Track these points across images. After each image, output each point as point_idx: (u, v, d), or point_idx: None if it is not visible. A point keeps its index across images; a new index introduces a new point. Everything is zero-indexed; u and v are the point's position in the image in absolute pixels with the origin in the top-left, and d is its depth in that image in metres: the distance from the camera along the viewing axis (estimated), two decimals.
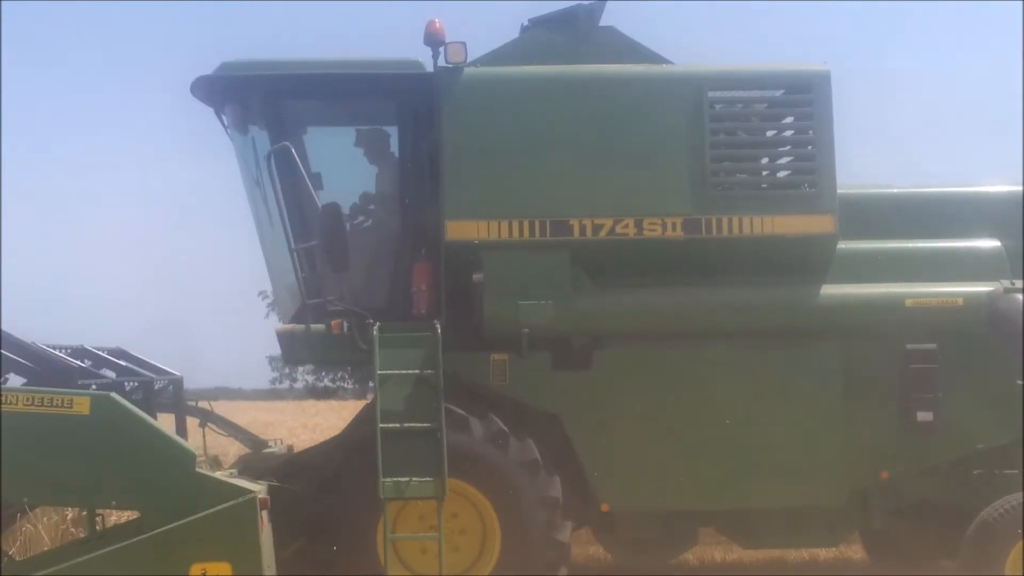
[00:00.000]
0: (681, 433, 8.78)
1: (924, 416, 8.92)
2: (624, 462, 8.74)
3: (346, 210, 9.34)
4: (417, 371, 8.30)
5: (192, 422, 10.95)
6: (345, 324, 8.69)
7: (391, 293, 9.15)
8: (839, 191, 9.08)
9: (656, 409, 8.79)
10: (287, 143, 8.91)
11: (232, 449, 12.73)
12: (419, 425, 8.15)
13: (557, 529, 8.39)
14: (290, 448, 11.01)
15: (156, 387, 10.52)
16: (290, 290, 9.29)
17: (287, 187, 9.05)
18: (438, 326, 8.42)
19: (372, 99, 9.38)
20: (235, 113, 9.42)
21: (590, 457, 8.75)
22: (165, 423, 10.60)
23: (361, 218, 9.58)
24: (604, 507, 8.81)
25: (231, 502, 7.61)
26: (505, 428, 8.39)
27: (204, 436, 11.16)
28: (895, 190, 9.71)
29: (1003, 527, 8.70)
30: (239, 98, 9.28)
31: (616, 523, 9.16)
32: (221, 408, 11.53)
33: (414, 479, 8.08)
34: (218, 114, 9.54)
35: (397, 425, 8.16)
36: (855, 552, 11.36)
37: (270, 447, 11.10)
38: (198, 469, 7.78)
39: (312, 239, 8.92)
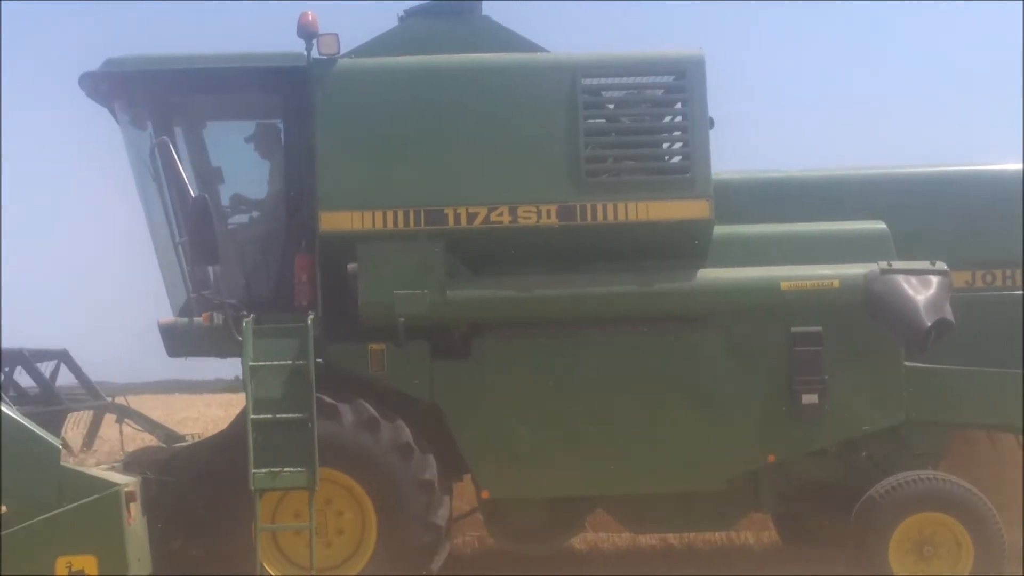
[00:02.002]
0: (561, 420, 8.80)
1: (809, 399, 8.91)
2: (504, 449, 8.77)
3: (230, 204, 9.41)
4: (289, 362, 8.33)
5: (110, 418, 11.02)
6: (220, 317, 8.72)
7: (278, 285, 9.18)
8: (725, 176, 9.14)
9: (536, 396, 8.80)
10: (165, 138, 8.98)
11: None
12: (291, 416, 8.19)
13: (433, 512, 8.42)
14: None
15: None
16: (178, 283, 9.33)
17: (170, 181, 9.09)
18: (310, 317, 8.45)
19: (257, 93, 9.39)
20: (121, 109, 9.45)
21: (469, 445, 8.78)
22: (83, 420, 10.77)
23: (253, 212, 9.61)
24: (485, 494, 8.85)
25: (95, 495, 7.69)
26: (375, 414, 8.40)
27: (121, 432, 11.23)
28: (779, 174, 9.75)
29: (888, 505, 8.70)
30: (124, 94, 9.31)
31: (502, 510, 9.18)
32: None
33: (286, 469, 8.13)
34: (110, 110, 9.58)
35: (269, 416, 8.20)
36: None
37: (185, 441, 11.14)
38: (63, 463, 7.84)
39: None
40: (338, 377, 8.75)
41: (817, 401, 8.90)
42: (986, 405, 9.27)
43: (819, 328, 8.93)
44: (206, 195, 8.75)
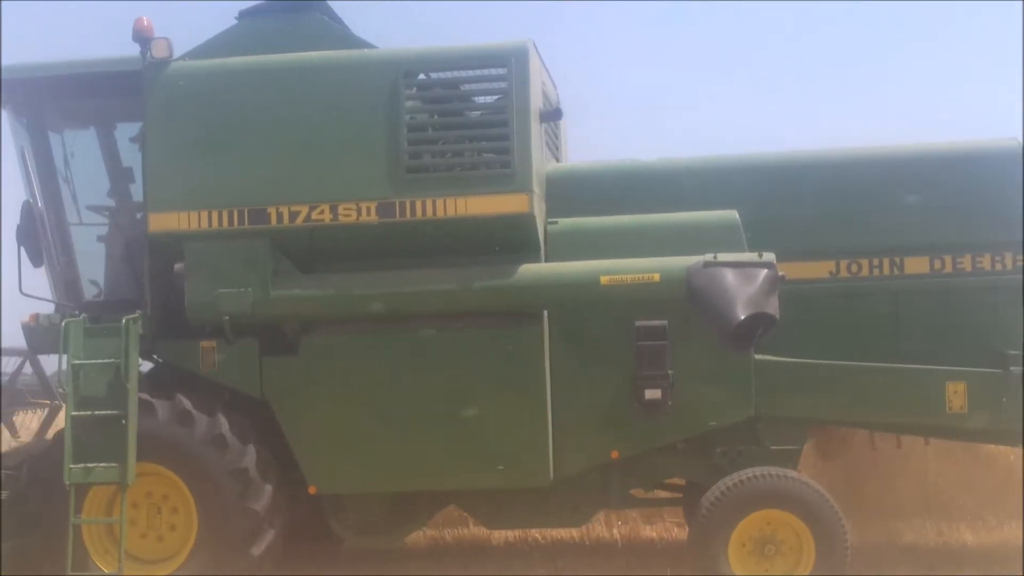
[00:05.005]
0: (387, 417, 8.81)
1: (652, 394, 8.72)
2: (330, 445, 8.86)
3: (93, 206, 9.72)
4: (109, 360, 8.57)
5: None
6: (55, 317, 9.05)
7: (138, 285, 9.44)
8: (570, 167, 9.03)
9: (363, 393, 8.85)
10: (23, 145, 9.32)
11: None
12: (107, 412, 8.45)
13: (250, 499, 8.60)
14: None
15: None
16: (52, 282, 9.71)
17: (35, 185, 9.46)
18: (130, 316, 8.65)
19: (116, 97, 9.60)
20: (7, 114, 9.82)
21: (297, 440, 8.89)
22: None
23: (115, 214, 9.86)
24: (312, 489, 8.96)
25: None
26: (189, 407, 8.61)
27: None
28: (629, 163, 9.57)
29: (725, 504, 8.47)
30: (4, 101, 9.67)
31: (343, 503, 9.27)
32: None
33: (100, 465, 8.40)
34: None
35: (88, 413, 8.48)
36: None
37: None
38: None
39: (55, 235, 9.35)
40: (181, 374, 8.98)
41: (660, 396, 8.70)
42: (841, 400, 8.93)
43: (664, 322, 8.72)
44: (31, 200, 9.07)
